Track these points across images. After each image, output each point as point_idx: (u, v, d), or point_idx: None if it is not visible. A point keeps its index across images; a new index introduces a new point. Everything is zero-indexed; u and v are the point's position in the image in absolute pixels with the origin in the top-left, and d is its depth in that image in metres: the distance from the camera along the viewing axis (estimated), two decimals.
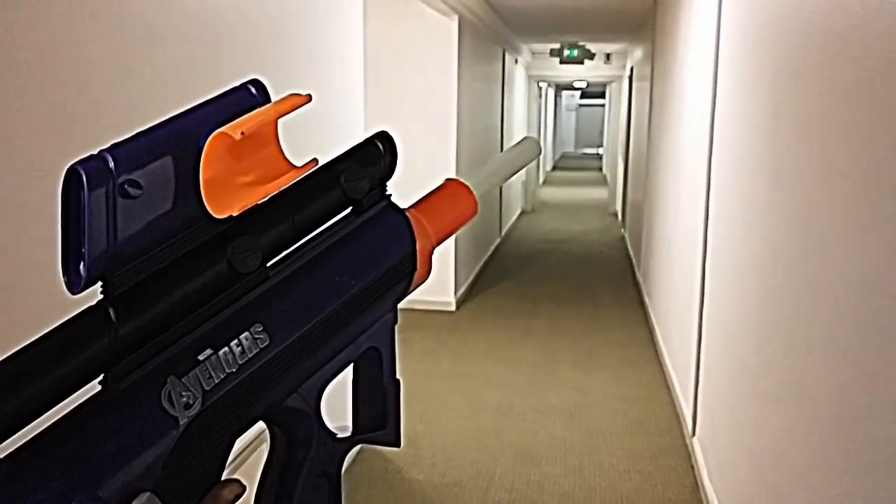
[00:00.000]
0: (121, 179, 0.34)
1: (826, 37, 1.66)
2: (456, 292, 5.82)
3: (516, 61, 9.68)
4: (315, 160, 0.40)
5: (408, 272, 0.46)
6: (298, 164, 0.39)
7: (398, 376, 0.47)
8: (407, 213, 0.47)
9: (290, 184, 0.39)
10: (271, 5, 2.22)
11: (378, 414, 0.47)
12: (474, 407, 3.86)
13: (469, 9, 5.57)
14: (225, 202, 0.37)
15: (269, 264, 0.40)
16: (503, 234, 9.01)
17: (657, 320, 4.96)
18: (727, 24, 2.90)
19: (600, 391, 4.11)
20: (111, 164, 0.33)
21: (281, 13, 2.30)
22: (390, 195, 0.46)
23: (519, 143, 0.58)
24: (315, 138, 2.60)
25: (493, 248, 8.04)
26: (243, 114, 0.37)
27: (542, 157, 15.41)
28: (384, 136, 0.46)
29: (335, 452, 0.44)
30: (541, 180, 15.66)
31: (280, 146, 0.39)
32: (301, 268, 0.41)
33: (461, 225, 0.51)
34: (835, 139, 1.58)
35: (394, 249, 0.45)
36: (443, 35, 5.49)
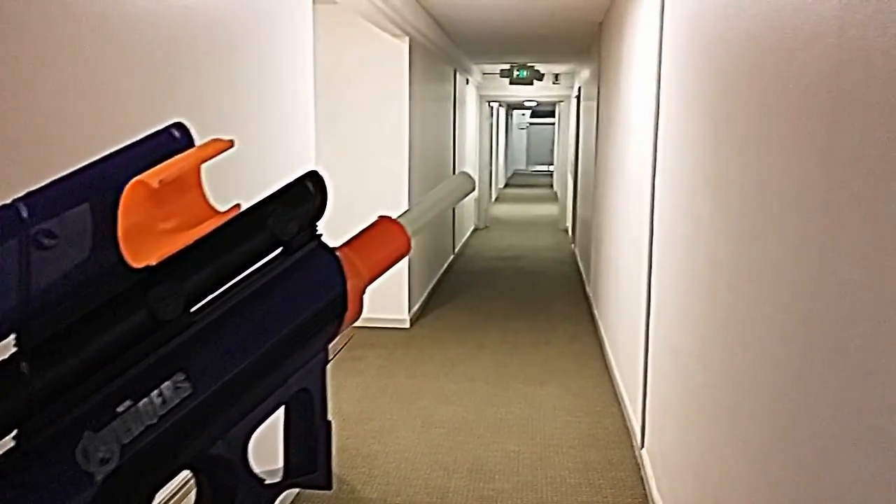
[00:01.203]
0: (34, 230, 0.32)
1: (762, 59, 1.75)
2: (410, 309, 5.84)
3: (467, 81, 9.79)
4: (238, 205, 0.40)
5: (338, 313, 0.46)
6: (224, 207, 0.39)
7: (329, 417, 0.46)
8: (338, 253, 0.46)
9: (216, 228, 0.38)
10: (219, 32, 2.24)
11: (309, 456, 0.46)
12: (428, 424, 3.88)
13: (419, 31, 5.64)
14: (145, 250, 0.36)
15: (193, 310, 0.39)
16: (456, 251, 9.07)
17: (607, 333, 5.05)
18: (668, 46, 3.00)
19: (552, 404, 4.16)
20: (24, 214, 0.32)
21: (229, 39, 2.32)
22: (320, 235, 0.45)
23: (453, 178, 0.58)
24: (268, 161, 2.61)
25: (446, 264, 8.09)
26: (165, 158, 0.37)
27: (494, 174, 15.57)
28: (314, 176, 0.45)
29: (263, 499, 0.42)
30: (493, 197, 15.81)
31: (203, 191, 0.39)
32: (226, 313, 0.40)
33: (393, 263, 0.51)
34: (768, 157, 1.66)
35: (324, 290, 0.45)
36: (394, 56, 5.55)
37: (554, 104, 16.48)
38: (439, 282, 7.43)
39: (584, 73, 8.11)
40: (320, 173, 0.44)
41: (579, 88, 8.91)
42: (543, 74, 9.69)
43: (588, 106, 7.29)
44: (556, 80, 11.47)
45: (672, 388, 2.73)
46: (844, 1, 1.24)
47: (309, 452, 0.46)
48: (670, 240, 2.83)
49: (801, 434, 1.41)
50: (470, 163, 10.50)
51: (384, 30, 5.21)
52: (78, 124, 1.55)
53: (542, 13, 5.85)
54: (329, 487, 0.45)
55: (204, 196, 0.38)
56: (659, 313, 3.04)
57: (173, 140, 0.38)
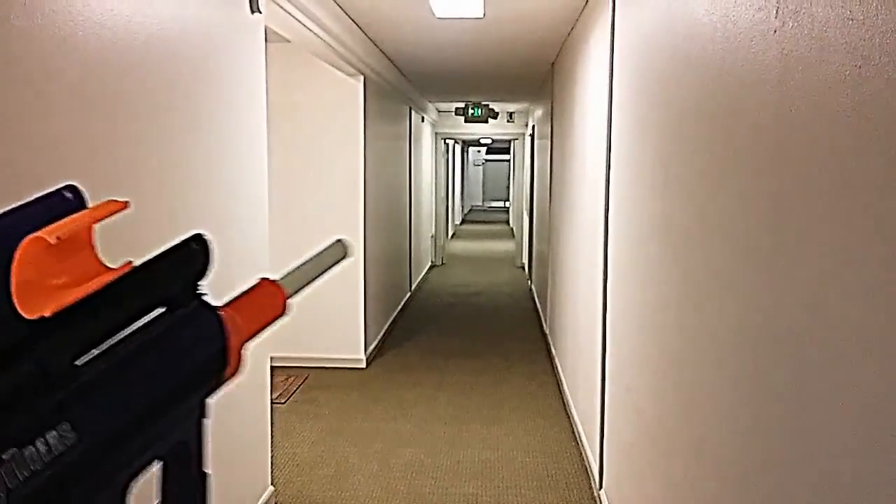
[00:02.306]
0: None
1: (707, 103, 1.79)
2: (366, 349, 5.78)
3: (423, 119, 9.86)
4: (130, 262, 0.43)
5: (219, 368, 0.47)
6: (116, 265, 0.41)
7: (208, 469, 0.48)
8: (220, 312, 0.48)
9: (105, 284, 0.40)
10: (170, 69, 2.21)
11: None
12: (385, 467, 3.81)
13: (374, 70, 5.68)
14: (37, 304, 0.38)
15: (79, 363, 0.41)
16: (413, 288, 9.04)
17: (564, 372, 5.06)
18: (618, 88, 3.06)
19: (510, 445, 4.13)
20: None
21: (180, 77, 2.29)
22: (203, 294, 0.47)
23: (330, 245, 0.62)
24: (216, 199, 2.57)
25: (402, 302, 8.04)
26: (57, 218, 0.39)
27: (450, 211, 15.63)
28: (199, 239, 0.47)
29: None
30: (450, 234, 15.85)
31: (95, 249, 0.41)
32: (113, 366, 0.42)
33: (272, 322, 0.53)
34: (713, 200, 1.69)
35: (205, 347, 0.47)
36: (349, 95, 5.56)
37: (509, 142, 16.68)
38: (396, 320, 7.37)
39: (538, 112, 8.24)
40: (205, 236, 0.47)
41: (533, 127, 9.04)
42: (498, 113, 9.83)
43: (542, 144, 7.39)
44: (511, 118, 11.63)
45: (628, 427, 2.73)
46: (785, 52, 1.27)
47: (187, 503, 0.48)
48: (624, 280, 2.85)
49: (757, 473, 1.41)
50: (426, 199, 10.53)
51: (338, 69, 5.23)
52: (48, 158, 1.51)
53: (496, 54, 5.94)
54: None
55: (95, 253, 0.41)
56: (614, 353, 3.05)
57: (65, 201, 0.41)
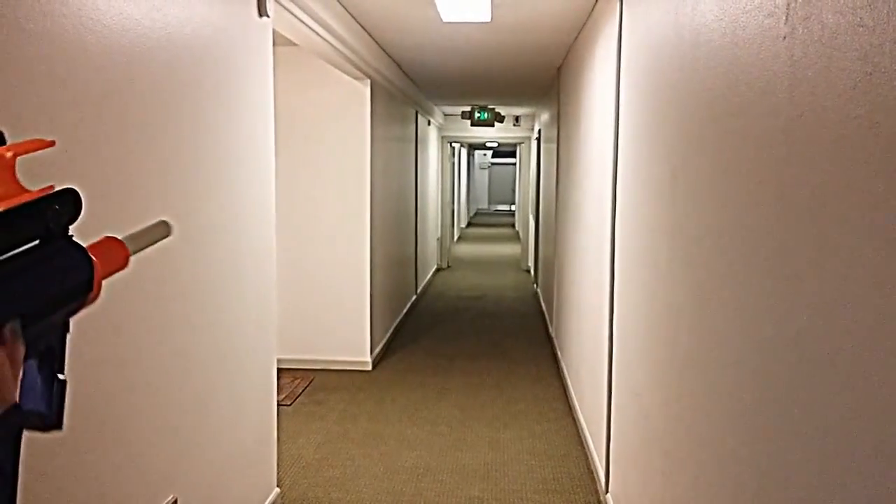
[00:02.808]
0: None
1: (716, 109, 1.79)
2: (372, 351, 5.78)
3: (429, 122, 9.87)
4: (52, 186, 0.55)
5: (85, 292, 0.59)
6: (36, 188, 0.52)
7: (65, 377, 0.58)
8: (87, 250, 0.60)
9: (14, 204, 0.51)
10: (179, 71, 2.22)
11: (47, 402, 0.56)
12: (390, 469, 3.81)
13: (381, 73, 5.69)
14: None
15: None
16: (419, 291, 9.04)
17: (570, 375, 5.05)
18: (626, 92, 3.06)
19: (515, 448, 4.13)
20: None
21: (188, 79, 2.30)
22: (72, 236, 0.59)
23: (155, 223, 0.73)
24: (224, 202, 2.58)
25: (408, 305, 8.05)
26: None
27: (456, 214, 15.62)
28: (73, 191, 0.58)
29: None
30: (456, 237, 15.86)
31: (15, 174, 0.52)
32: (5, 273, 0.50)
33: (118, 270, 0.65)
34: (723, 206, 1.69)
35: (74, 273, 0.58)
36: (356, 98, 5.58)
37: (515, 145, 16.69)
38: (402, 323, 7.38)
39: (544, 116, 8.24)
40: (77, 190, 0.58)
41: (539, 130, 9.04)
42: (504, 116, 9.82)
43: (548, 148, 7.39)
44: (517, 121, 11.63)
45: (635, 432, 2.73)
46: (795, 58, 1.27)
47: (47, 398, 0.56)
48: (631, 284, 2.85)
49: (764, 479, 1.41)
50: (432, 202, 10.54)
51: (345, 72, 5.24)
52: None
53: (502, 58, 5.95)
54: (59, 427, 0.57)
55: (15, 178, 0.52)
56: (621, 357, 3.04)
57: None
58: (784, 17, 1.32)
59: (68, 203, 0.58)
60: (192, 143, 2.33)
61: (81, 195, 0.59)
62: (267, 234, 3.09)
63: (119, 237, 0.66)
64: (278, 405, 3.51)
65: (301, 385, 5.27)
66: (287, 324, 5.56)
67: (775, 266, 1.36)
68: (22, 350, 0.52)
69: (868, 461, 1.02)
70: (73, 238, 0.59)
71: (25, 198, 0.51)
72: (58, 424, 0.56)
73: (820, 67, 1.17)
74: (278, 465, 3.40)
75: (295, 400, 4.93)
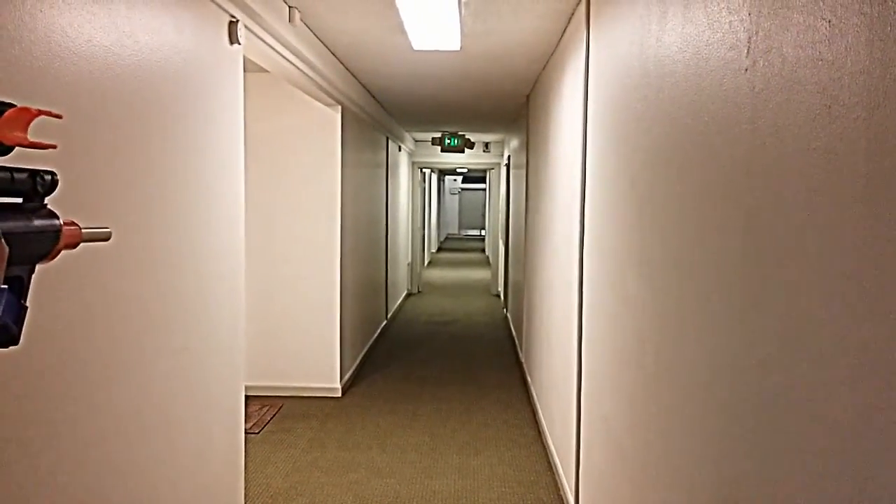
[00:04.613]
0: None
1: (680, 140, 1.83)
2: (342, 378, 5.74)
3: (400, 148, 9.91)
4: (55, 145, 0.77)
5: (49, 249, 0.78)
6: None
7: (27, 304, 0.74)
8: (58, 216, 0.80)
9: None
10: (148, 96, 2.21)
11: (14, 317, 0.69)
12: (360, 498, 3.77)
13: (351, 100, 5.71)
14: None
15: None
16: (389, 316, 9.01)
17: (539, 401, 5.06)
18: (593, 121, 3.11)
19: (486, 474, 4.11)
20: None
21: (158, 104, 2.29)
22: (47, 205, 0.79)
23: (102, 226, 0.93)
24: (193, 229, 2.56)
25: (379, 330, 8.01)
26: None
27: (427, 239, 15.64)
28: (52, 172, 0.80)
29: None
30: (426, 262, 15.85)
31: (27, 128, 0.74)
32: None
33: (71, 246, 0.83)
34: (688, 235, 1.72)
35: (49, 226, 0.78)
36: (327, 124, 5.59)
37: (485, 171, 16.80)
38: (372, 348, 7.34)
39: (514, 143, 8.32)
40: (54, 171, 0.80)
41: (509, 157, 9.12)
42: (474, 143, 9.91)
43: (517, 174, 7.46)
44: (487, 148, 11.72)
45: (604, 457, 2.73)
46: (756, 90, 1.31)
47: (16, 313, 0.70)
48: (599, 312, 2.87)
49: (730, 503, 1.42)
50: (402, 227, 10.54)
51: (316, 99, 5.26)
52: None
53: (472, 86, 6.01)
54: (17, 343, 0.70)
55: (27, 130, 0.74)
56: (590, 382, 3.06)
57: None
58: (745, 50, 1.36)
59: (52, 179, 0.79)
60: (161, 169, 2.31)
61: (56, 175, 0.80)
62: (236, 259, 3.07)
63: (77, 223, 0.86)
64: (246, 433, 3.46)
65: (269, 412, 5.20)
66: (255, 350, 5.50)
67: (740, 293, 1.38)
68: (6, 252, 0.66)
69: (834, 483, 1.04)
70: (49, 207, 0.79)
71: (35, 145, 0.72)
72: (16, 340, 0.70)
73: (781, 100, 1.21)
74: (246, 494, 3.34)
75: (263, 427, 4.87)
